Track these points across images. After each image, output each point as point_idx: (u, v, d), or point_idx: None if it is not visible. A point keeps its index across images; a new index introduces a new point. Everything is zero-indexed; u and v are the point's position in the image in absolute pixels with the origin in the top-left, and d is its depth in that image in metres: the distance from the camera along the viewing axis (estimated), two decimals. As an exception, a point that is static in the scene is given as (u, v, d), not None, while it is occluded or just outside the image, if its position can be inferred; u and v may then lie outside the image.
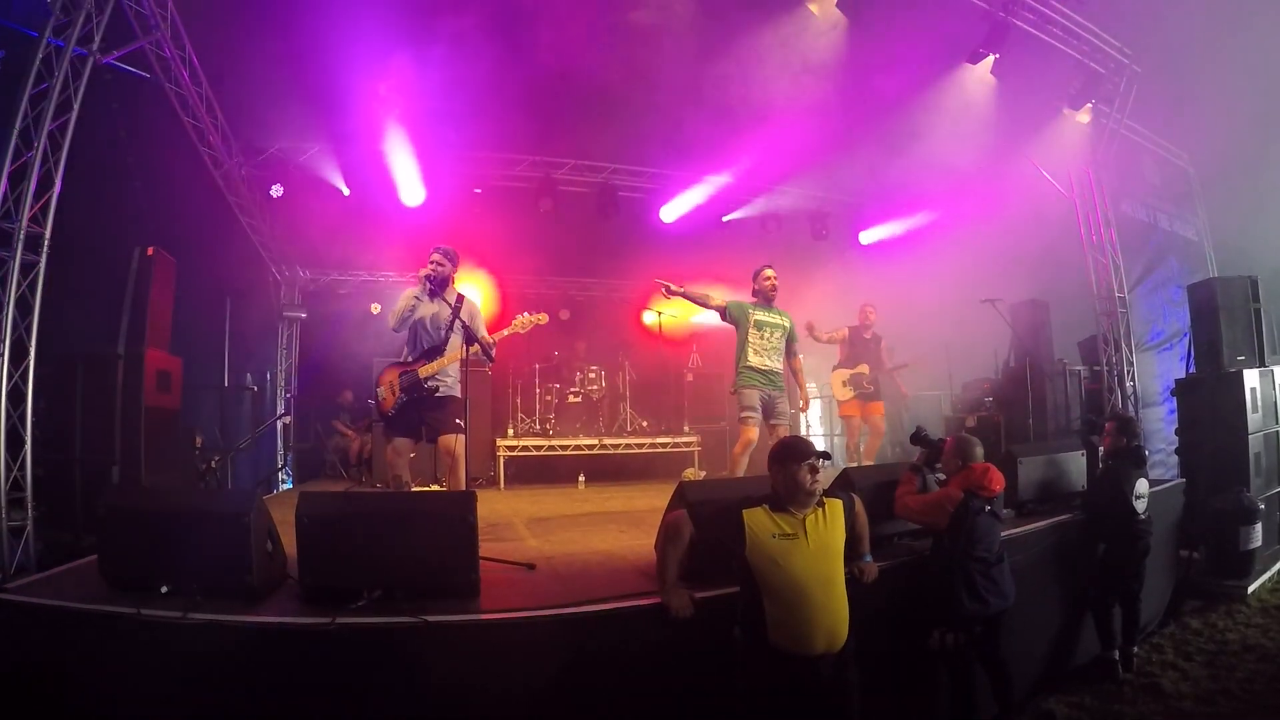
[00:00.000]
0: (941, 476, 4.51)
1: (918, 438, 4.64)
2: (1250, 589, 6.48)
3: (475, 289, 10.25)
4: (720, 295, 6.55)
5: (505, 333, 5.61)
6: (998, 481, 4.11)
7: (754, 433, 6.19)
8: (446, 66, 7.51)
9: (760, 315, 6.42)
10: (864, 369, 8.63)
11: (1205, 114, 9.64)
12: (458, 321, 5.42)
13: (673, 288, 6.29)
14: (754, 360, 6.32)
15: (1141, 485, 5.16)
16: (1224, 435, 7.19)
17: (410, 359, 5.57)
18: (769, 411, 6.30)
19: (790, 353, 6.64)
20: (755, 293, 6.56)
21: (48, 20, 4.98)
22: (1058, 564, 5.08)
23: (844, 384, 8.75)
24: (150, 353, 6.26)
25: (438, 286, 5.55)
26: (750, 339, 6.34)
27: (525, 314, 5.71)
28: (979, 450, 4.29)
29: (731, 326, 6.53)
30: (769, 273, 6.55)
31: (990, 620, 3.99)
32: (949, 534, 3.98)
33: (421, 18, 7.22)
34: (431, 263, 5.53)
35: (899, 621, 4.00)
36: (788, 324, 6.55)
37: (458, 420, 5.41)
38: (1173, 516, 6.44)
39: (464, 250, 6.00)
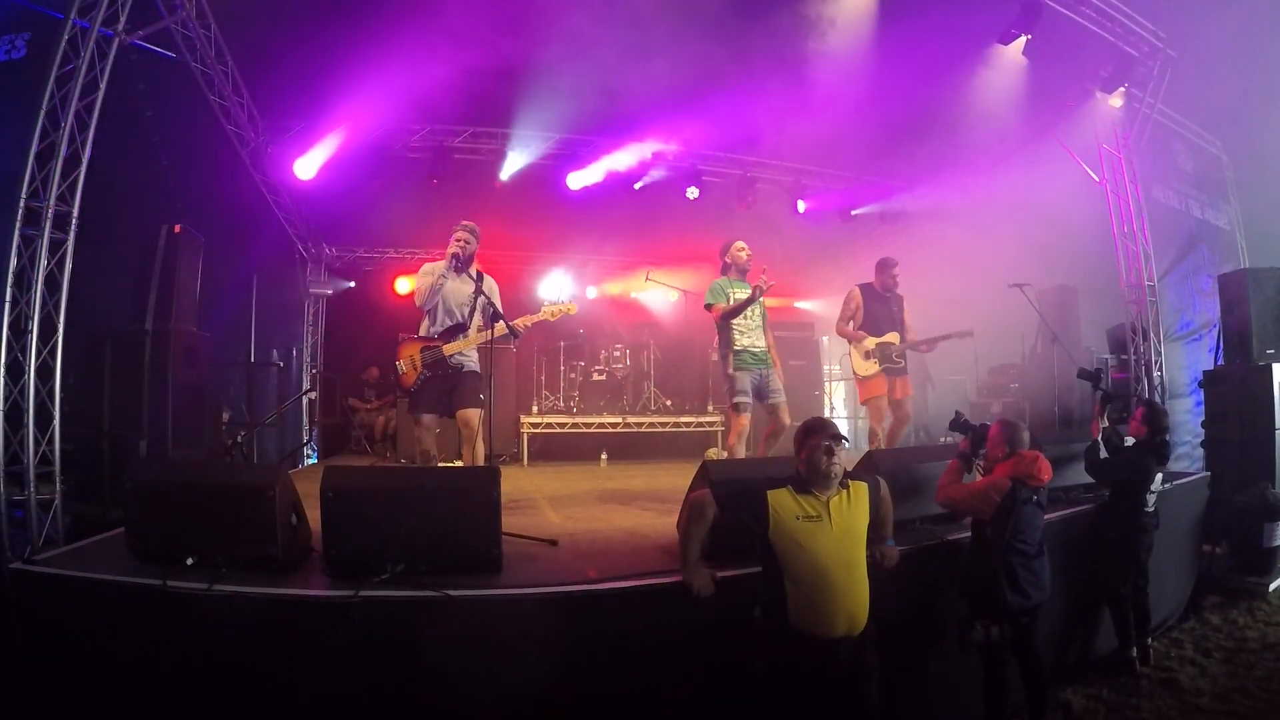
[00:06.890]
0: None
1: (958, 424, 4.48)
2: (1272, 587, 6.40)
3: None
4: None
5: (534, 319, 5.58)
6: (1046, 471, 3.99)
7: (747, 419, 5.85)
8: (465, 42, 7.47)
9: (740, 293, 5.98)
10: (893, 338, 6.75)
11: (1241, 101, 9.45)
12: (481, 300, 5.44)
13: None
14: (743, 342, 5.94)
15: (1157, 480, 5.10)
16: (1251, 429, 7.07)
17: (434, 334, 5.56)
18: (763, 392, 5.98)
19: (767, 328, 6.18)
20: (727, 268, 6.14)
21: (73, 1, 4.99)
22: (1077, 555, 5.00)
23: (866, 356, 6.73)
24: (177, 329, 6.33)
25: (463, 263, 5.54)
26: (734, 321, 5.94)
27: (553, 302, 5.70)
28: (1027, 435, 4.17)
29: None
30: (741, 244, 6.13)
31: (1030, 612, 3.93)
32: (993, 524, 3.90)
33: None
34: (458, 240, 5.52)
35: (920, 606, 3.99)
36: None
37: (479, 395, 5.43)
38: (1196, 510, 6.37)
39: (488, 228, 5.99)
